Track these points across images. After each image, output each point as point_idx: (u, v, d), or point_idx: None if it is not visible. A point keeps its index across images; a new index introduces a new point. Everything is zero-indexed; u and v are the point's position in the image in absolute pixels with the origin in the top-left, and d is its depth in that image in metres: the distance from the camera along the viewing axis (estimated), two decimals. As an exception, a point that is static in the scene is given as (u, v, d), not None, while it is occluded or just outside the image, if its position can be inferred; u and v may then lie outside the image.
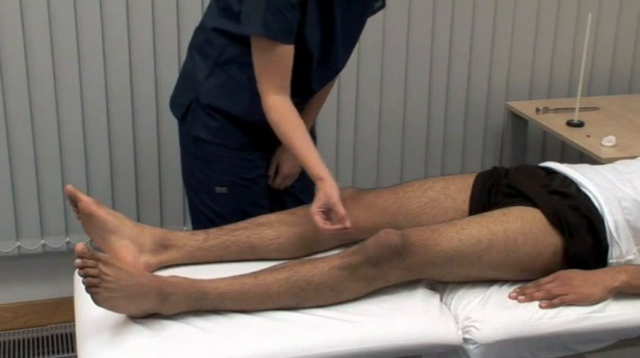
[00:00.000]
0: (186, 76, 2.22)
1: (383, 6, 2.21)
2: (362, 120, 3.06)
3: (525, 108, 3.09)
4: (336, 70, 2.20)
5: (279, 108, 1.96)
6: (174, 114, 2.26)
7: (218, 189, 2.15)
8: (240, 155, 2.10)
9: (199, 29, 2.18)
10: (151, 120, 2.81)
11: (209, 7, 2.15)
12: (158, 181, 2.89)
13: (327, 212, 1.88)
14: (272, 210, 2.20)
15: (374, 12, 2.20)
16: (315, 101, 2.24)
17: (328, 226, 1.86)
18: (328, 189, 1.88)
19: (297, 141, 1.95)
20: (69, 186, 1.88)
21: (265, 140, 2.18)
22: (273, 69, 1.96)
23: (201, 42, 2.14)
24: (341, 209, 1.86)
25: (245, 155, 1.99)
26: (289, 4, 1.91)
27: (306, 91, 2.17)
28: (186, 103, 2.18)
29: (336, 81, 2.92)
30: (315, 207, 1.87)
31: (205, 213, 2.20)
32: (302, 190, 2.33)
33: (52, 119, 2.72)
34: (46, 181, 2.78)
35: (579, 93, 2.91)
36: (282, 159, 2.25)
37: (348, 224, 1.86)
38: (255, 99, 2.07)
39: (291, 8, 1.91)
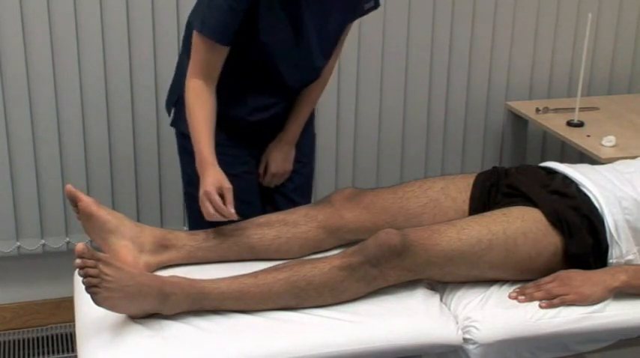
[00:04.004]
0: (176, 72, 2.24)
1: (376, 6, 2.19)
2: (362, 120, 3.06)
3: (525, 108, 3.08)
4: (317, 70, 2.18)
5: (197, 89, 2.01)
6: (166, 110, 2.28)
7: None
8: (224, 151, 2.08)
9: (187, 24, 2.18)
10: (151, 121, 2.81)
11: (197, 2, 2.15)
12: (158, 181, 2.89)
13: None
14: (264, 209, 2.19)
15: (365, 12, 2.19)
16: (306, 98, 2.23)
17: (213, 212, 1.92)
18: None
19: (198, 125, 1.99)
20: (69, 186, 1.88)
21: (249, 137, 2.19)
22: (206, 62, 2.01)
23: (187, 37, 2.15)
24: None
25: (229, 151, 2.00)
26: (230, 8, 1.94)
27: (284, 90, 2.17)
28: (174, 99, 2.19)
29: (336, 81, 2.93)
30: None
31: (196, 208, 2.20)
32: (294, 190, 2.32)
33: (52, 119, 2.72)
34: (46, 181, 2.78)
35: (579, 93, 2.91)
36: (271, 158, 2.25)
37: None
38: (234, 96, 2.08)
39: (231, 12, 1.95)
